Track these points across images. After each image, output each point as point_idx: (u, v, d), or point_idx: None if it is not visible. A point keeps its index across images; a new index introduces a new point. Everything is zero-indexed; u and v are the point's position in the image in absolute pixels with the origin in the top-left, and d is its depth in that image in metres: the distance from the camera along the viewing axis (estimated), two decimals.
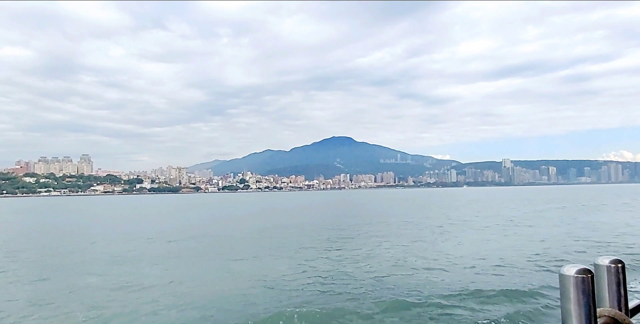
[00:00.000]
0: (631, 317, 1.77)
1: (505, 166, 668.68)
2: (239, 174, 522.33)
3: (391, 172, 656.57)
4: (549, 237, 26.62)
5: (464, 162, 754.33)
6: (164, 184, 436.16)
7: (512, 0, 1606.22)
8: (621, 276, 1.73)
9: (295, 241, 27.83)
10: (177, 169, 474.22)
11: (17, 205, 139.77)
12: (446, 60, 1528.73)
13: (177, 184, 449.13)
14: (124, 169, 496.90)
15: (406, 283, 15.04)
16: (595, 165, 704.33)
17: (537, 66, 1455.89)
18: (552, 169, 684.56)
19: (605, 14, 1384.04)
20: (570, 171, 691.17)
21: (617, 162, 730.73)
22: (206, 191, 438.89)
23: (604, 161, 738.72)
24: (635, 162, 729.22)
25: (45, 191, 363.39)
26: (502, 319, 11.48)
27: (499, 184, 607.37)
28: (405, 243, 25.22)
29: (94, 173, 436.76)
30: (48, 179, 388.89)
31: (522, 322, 11.41)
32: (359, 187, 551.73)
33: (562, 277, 1.57)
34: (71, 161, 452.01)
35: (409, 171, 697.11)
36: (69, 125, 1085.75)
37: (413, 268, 17.64)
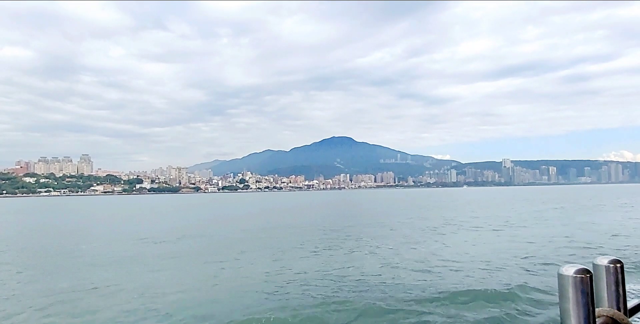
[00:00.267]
0: (630, 317, 1.77)
1: (505, 166, 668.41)
2: (238, 174, 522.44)
3: (391, 172, 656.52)
4: (542, 238, 26.49)
5: (464, 162, 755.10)
6: (164, 184, 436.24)
7: (512, 0, 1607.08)
8: (620, 276, 1.73)
9: (286, 242, 27.70)
10: (177, 169, 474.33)
11: (17, 205, 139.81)
12: (446, 60, 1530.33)
13: (177, 184, 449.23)
14: (123, 169, 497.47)
15: (395, 285, 14.90)
16: (595, 165, 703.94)
17: (537, 66, 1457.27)
18: (552, 169, 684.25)
19: (605, 14, 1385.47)
20: (570, 171, 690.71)
21: (618, 162, 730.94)
22: (206, 191, 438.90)
23: (604, 161, 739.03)
24: (635, 162, 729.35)
25: (45, 191, 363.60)
26: (500, 320, 11.41)
27: (499, 184, 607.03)
28: (396, 244, 25.02)
29: (94, 173, 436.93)
30: (48, 179, 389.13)
31: (521, 322, 11.33)
32: (359, 187, 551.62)
33: (560, 277, 1.58)
34: (71, 161, 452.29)
35: (409, 171, 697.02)
36: (69, 125, 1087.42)
37: (404, 269, 17.48)
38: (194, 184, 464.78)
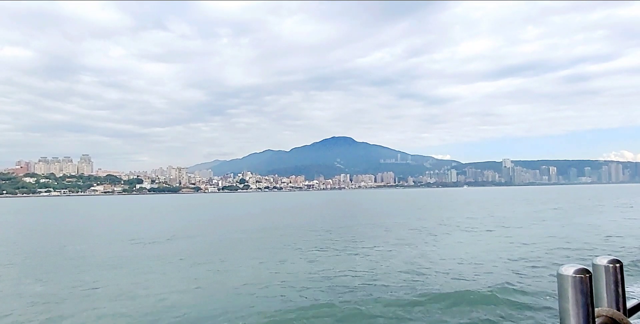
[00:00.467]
0: (629, 317, 1.77)
1: (505, 166, 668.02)
2: (239, 174, 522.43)
3: (391, 172, 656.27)
4: (537, 239, 26.38)
5: (464, 162, 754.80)
6: (164, 184, 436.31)
7: (512, 0, 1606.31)
8: (619, 276, 1.74)
9: (280, 243, 27.60)
10: (177, 169, 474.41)
11: (17, 205, 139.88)
12: (446, 60, 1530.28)
13: (177, 184, 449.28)
14: (124, 169, 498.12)
15: (383, 288, 14.81)
16: (595, 165, 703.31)
17: (537, 66, 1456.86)
18: (553, 169, 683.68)
19: (605, 14, 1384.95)
20: (570, 171, 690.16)
21: (618, 162, 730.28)
22: (206, 191, 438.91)
23: (605, 161, 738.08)
24: (635, 162, 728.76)
25: (45, 191, 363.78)
26: (499, 320, 11.33)
27: (500, 184, 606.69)
28: (389, 246, 24.85)
29: (94, 173, 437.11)
30: (48, 179, 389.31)
31: (520, 322, 11.25)
32: (359, 187, 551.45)
33: (560, 277, 1.58)
34: (71, 161, 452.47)
35: (409, 171, 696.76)
36: (69, 125, 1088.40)
37: (393, 272, 17.38)
38: (194, 184, 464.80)
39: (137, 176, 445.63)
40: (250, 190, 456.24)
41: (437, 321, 11.41)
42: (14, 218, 69.85)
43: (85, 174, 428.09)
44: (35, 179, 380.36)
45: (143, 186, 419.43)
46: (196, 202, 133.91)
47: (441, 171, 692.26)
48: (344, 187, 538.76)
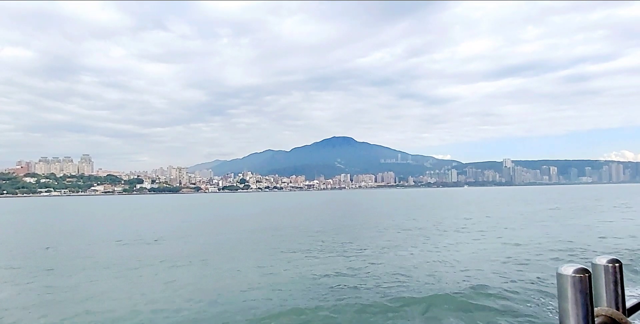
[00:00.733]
0: (628, 316, 1.78)
1: (506, 166, 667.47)
2: (239, 174, 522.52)
3: (391, 172, 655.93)
4: (530, 240, 26.26)
5: (464, 162, 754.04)
6: (164, 184, 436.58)
7: (512, 0, 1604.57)
8: (619, 276, 1.74)
9: (273, 245, 27.54)
10: (178, 169, 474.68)
11: (17, 205, 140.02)
12: (446, 60, 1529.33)
13: (178, 184, 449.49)
14: (124, 169, 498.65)
15: (371, 289, 14.76)
16: (596, 165, 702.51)
17: (538, 66, 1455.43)
18: (553, 169, 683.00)
19: (606, 14, 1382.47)
20: (571, 171, 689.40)
21: (619, 162, 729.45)
22: (206, 191, 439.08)
23: (605, 160, 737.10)
24: (636, 162, 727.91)
25: (46, 191, 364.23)
26: (498, 320, 11.31)
27: (500, 184, 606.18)
28: (378, 248, 24.57)
29: (94, 173, 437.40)
30: (48, 179, 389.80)
31: (519, 322, 11.23)
32: (360, 187, 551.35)
33: (559, 276, 1.58)
34: (72, 161, 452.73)
35: (410, 171, 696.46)
36: (69, 125, 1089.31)
37: (383, 273, 17.32)
38: (194, 184, 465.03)
39: (138, 176, 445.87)
40: (251, 190, 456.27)
41: (450, 318, 11.45)
42: (13, 218, 69.91)
43: (86, 174, 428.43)
44: (36, 179, 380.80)
45: (143, 186, 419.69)
46: (196, 202, 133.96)
47: (441, 171, 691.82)
48: (344, 187, 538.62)
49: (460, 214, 51.91)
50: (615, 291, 1.73)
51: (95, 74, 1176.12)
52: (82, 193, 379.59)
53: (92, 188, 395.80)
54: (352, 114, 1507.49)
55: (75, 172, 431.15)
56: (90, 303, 13.97)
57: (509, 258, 19.89)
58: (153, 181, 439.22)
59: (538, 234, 29.24)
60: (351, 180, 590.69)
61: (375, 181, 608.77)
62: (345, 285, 15.21)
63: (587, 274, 1.55)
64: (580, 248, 22.57)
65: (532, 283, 14.89)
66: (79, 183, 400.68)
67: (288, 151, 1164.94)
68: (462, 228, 34.34)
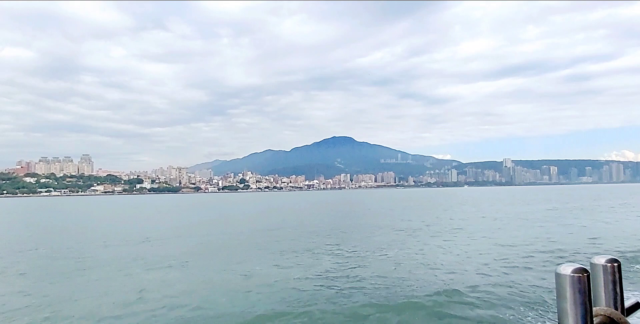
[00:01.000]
0: (627, 316, 1.78)
1: (506, 166, 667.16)
2: (239, 174, 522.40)
3: (392, 172, 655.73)
4: (523, 240, 26.17)
5: (464, 162, 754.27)
6: (164, 184, 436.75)
7: (512, 0, 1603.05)
8: (617, 275, 1.74)
9: (263, 245, 27.46)
10: (178, 169, 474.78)
11: (17, 205, 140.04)
12: (446, 60, 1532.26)
13: (178, 184, 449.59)
14: (124, 169, 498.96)
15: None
16: (596, 165, 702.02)
17: (538, 66, 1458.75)
18: (554, 169, 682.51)
19: (606, 14, 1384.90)
20: (571, 170, 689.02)
21: (619, 161, 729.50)
22: (206, 191, 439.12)
23: (606, 160, 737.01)
24: (637, 162, 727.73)
25: (46, 191, 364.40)
26: (497, 320, 11.27)
27: (500, 184, 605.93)
28: (371, 248, 24.46)
29: (94, 173, 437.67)
30: (48, 179, 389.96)
31: (518, 322, 11.19)
32: (360, 187, 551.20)
33: (558, 276, 1.57)
34: (72, 161, 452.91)
35: (410, 171, 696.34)
36: (70, 125, 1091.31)
37: (371, 275, 17.24)
38: (194, 184, 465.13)
39: (138, 175, 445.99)
40: (251, 190, 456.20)
41: (448, 318, 11.40)
42: (13, 218, 69.93)
43: (86, 174, 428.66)
44: (36, 179, 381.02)
45: (143, 185, 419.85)
46: (196, 202, 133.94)
47: (442, 171, 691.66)
48: (344, 187, 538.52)
49: (456, 215, 51.76)
50: (614, 290, 1.73)
51: (95, 74, 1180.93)
52: (82, 193, 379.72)
53: (92, 188, 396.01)
54: (352, 113, 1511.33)
55: (75, 172, 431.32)
56: (80, 303, 13.92)
57: (502, 259, 19.78)
58: (153, 181, 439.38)
59: (533, 234, 29.11)
60: (351, 180, 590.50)
61: (375, 181, 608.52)
62: (328, 288, 14.99)
63: (585, 274, 1.55)
64: (575, 249, 22.48)
65: (525, 284, 14.80)
66: (79, 183, 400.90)
67: (288, 150, 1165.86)
68: (456, 229, 34.09)
